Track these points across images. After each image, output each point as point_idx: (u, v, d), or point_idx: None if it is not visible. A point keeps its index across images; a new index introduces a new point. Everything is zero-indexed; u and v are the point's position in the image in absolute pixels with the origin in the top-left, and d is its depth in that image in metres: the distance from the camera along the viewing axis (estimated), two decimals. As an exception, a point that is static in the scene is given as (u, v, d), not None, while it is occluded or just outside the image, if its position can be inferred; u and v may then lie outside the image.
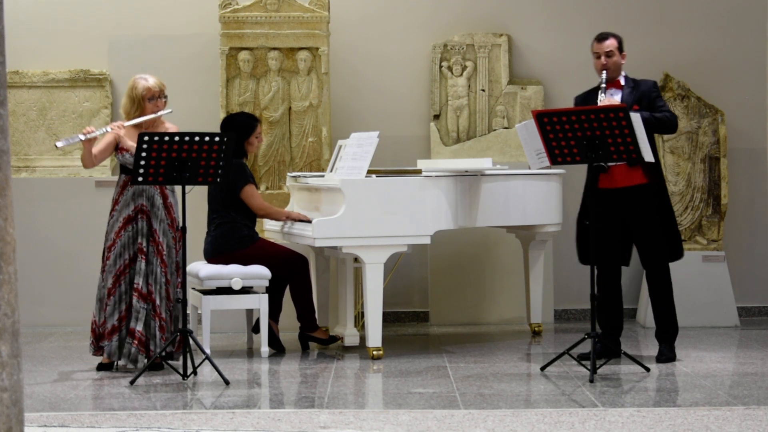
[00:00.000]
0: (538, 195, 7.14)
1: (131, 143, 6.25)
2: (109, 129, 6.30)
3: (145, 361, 6.18)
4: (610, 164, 6.30)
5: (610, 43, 6.43)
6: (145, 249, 6.25)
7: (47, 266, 8.07)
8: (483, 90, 8.19)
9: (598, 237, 6.17)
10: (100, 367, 6.34)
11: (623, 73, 6.51)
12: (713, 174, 8.15)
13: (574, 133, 5.95)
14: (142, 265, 6.24)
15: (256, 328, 7.01)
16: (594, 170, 6.26)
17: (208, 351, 6.32)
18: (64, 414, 5.10)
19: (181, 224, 6.02)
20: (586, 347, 6.16)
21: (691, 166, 8.13)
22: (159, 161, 5.83)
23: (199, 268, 6.80)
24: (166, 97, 6.42)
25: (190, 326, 6.38)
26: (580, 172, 6.92)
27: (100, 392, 5.75)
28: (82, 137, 6.21)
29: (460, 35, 8.21)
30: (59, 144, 6.26)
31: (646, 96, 6.38)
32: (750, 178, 8.34)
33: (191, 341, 5.98)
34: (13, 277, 2.97)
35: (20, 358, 2.98)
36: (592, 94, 6.47)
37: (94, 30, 8.19)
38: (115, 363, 6.35)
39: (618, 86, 6.47)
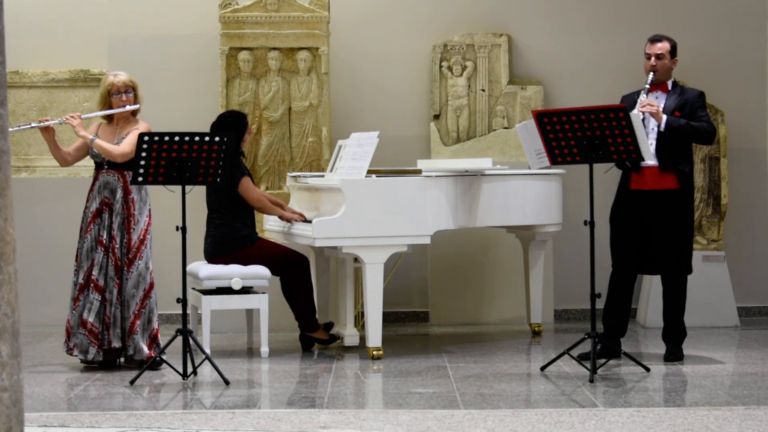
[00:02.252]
0: (538, 195, 7.14)
1: (83, 132, 6.34)
2: (64, 120, 6.39)
3: (96, 352, 6.26)
4: (643, 164, 6.31)
5: (662, 46, 6.40)
6: (105, 241, 6.29)
7: (47, 266, 8.07)
8: (483, 90, 8.19)
9: (620, 239, 6.29)
10: (103, 365, 6.35)
11: (672, 79, 6.48)
12: (713, 174, 8.15)
13: (574, 133, 5.95)
14: (99, 257, 6.29)
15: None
16: (626, 171, 6.29)
17: (208, 351, 6.32)
18: (64, 414, 5.10)
19: (180, 224, 6.01)
20: (587, 347, 6.16)
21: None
22: (159, 161, 5.84)
23: (199, 268, 6.80)
24: (134, 92, 6.43)
25: (190, 326, 6.38)
26: (580, 172, 6.92)
27: (100, 392, 5.75)
28: (35, 124, 6.36)
29: (460, 35, 8.21)
30: (10, 129, 6.33)
31: (689, 104, 6.36)
32: (750, 178, 8.34)
33: (191, 341, 5.98)
34: (13, 277, 2.97)
35: (20, 358, 2.98)
36: (637, 94, 6.44)
37: (94, 30, 8.19)
38: (118, 360, 6.37)
39: (665, 90, 6.45)
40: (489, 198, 6.89)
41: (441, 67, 8.19)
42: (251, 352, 6.96)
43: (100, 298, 6.28)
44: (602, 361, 6.17)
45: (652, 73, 6.38)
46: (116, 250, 6.28)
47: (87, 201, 6.43)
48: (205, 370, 6.16)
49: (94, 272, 6.28)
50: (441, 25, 8.27)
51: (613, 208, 6.56)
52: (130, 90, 6.42)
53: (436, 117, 8.20)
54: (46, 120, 6.38)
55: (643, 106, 6.25)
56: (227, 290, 6.74)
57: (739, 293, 8.14)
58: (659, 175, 6.36)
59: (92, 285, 6.27)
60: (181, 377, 5.95)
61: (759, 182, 8.35)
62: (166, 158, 5.84)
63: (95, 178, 6.42)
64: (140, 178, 5.88)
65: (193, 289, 6.90)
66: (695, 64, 8.25)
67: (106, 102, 6.45)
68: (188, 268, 6.65)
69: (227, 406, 5.30)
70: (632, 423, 4.82)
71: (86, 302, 6.28)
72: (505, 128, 8.17)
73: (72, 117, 6.38)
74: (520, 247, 7.79)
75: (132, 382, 5.88)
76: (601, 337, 6.25)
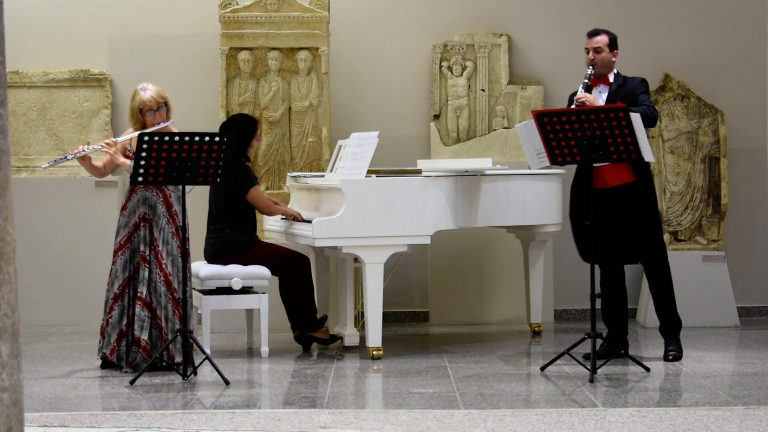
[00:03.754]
0: (538, 195, 7.14)
1: (123, 159, 6.27)
2: (99, 147, 6.30)
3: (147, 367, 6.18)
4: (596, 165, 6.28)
5: (600, 39, 6.45)
6: (147, 257, 6.23)
7: (47, 266, 8.06)
8: (483, 90, 8.19)
9: (598, 238, 6.20)
10: (104, 364, 6.33)
11: (615, 71, 6.51)
12: (713, 174, 8.15)
13: (574, 133, 5.95)
14: (144, 273, 6.22)
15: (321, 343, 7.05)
16: (583, 170, 6.28)
17: (208, 351, 6.32)
18: (64, 414, 5.10)
19: (180, 224, 6.00)
20: (587, 347, 6.16)
21: (691, 166, 8.13)
22: (159, 161, 5.83)
23: (199, 268, 6.80)
24: (166, 106, 6.36)
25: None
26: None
27: (100, 392, 5.75)
28: (71, 156, 6.25)
29: (460, 35, 8.21)
30: (44, 165, 6.31)
31: (631, 92, 6.38)
32: (750, 178, 8.34)
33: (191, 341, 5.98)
34: (13, 277, 2.97)
35: (20, 358, 2.98)
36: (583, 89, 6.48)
37: (94, 30, 8.19)
38: (123, 366, 6.35)
39: (607, 83, 6.49)
40: (489, 198, 6.89)
41: (441, 67, 8.19)
42: (251, 352, 6.96)
43: (150, 315, 6.20)
44: (602, 361, 6.17)
45: (590, 68, 6.40)
46: (164, 266, 6.22)
47: (123, 210, 6.33)
48: (205, 370, 6.16)
49: (141, 288, 6.19)
50: (441, 25, 8.27)
51: (572, 205, 6.55)
52: (162, 106, 6.33)
53: (436, 117, 8.20)
54: (83, 150, 6.23)
55: (578, 100, 6.26)
56: (227, 290, 6.74)
57: (739, 293, 8.14)
58: (615, 170, 6.37)
59: (140, 302, 6.18)
60: (181, 377, 5.95)
61: (759, 182, 8.36)
62: (166, 158, 5.83)
63: (132, 192, 6.32)
64: (140, 179, 5.87)
65: (194, 289, 6.89)
66: (695, 64, 8.25)
67: (138, 119, 6.33)
68: (188, 268, 6.65)
69: (227, 406, 5.30)
70: (632, 423, 4.82)
71: (135, 320, 6.20)
72: (505, 128, 8.17)
73: (107, 144, 6.27)
74: (520, 247, 7.79)
75: (132, 382, 5.88)
76: (605, 338, 6.27)
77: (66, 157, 6.28)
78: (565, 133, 5.96)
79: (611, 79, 6.49)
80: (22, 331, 3.14)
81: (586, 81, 6.37)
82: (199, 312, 6.82)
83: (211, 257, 6.86)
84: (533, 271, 7.63)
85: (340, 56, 8.18)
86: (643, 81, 6.49)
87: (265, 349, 6.73)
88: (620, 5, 8.32)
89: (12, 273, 2.96)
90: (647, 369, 6.09)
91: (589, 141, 5.93)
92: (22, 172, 8.08)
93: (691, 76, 8.21)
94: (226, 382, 5.84)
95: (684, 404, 5.28)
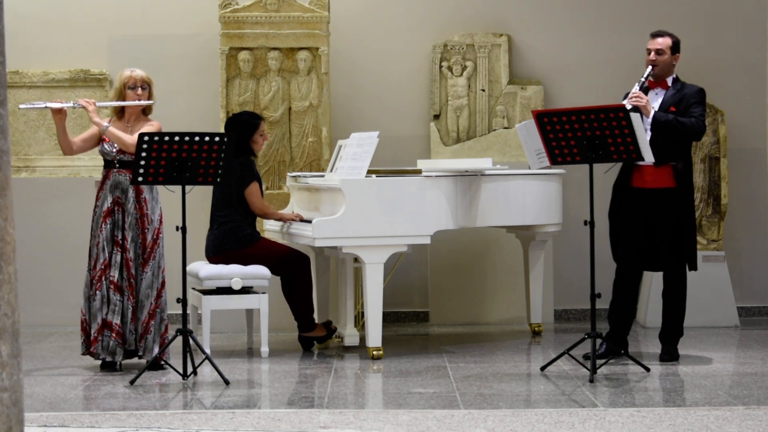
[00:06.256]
0: (538, 195, 7.14)
1: (97, 119, 6.32)
2: (79, 104, 6.35)
3: (122, 353, 6.22)
4: (640, 163, 6.26)
5: (663, 42, 6.40)
6: (119, 241, 6.27)
7: (47, 266, 8.07)
8: (483, 90, 8.19)
9: (624, 237, 6.22)
10: (104, 366, 6.34)
11: (674, 75, 6.47)
12: (713, 174, 8.15)
13: (574, 133, 5.95)
14: (117, 257, 6.26)
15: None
16: (627, 167, 6.26)
17: (208, 351, 6.32)
18: (64, 414, 5.10)
19: (180, 224, 6.00)
20: (587, 347, 6.16)
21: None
22: (159, 161, 5.83)
23: (199, 268, 6.80)
24: (149, 89, 6.40)
25: (190, 326, 6.38)
26: (580, 172, 6.91)
27: (100, 392, 5.75)
28: (50, 104, 6.31)
29: (460, 35, 8.21)
30: (22, 106, 6.38)
31: (686, 100, 6.35)
32: (750, 178, 8.34)
33: (191, 341, 5.98)
34: (13, 277, 2.97)
35: (20, 358, 2.97)
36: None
37: (94, 30, 8.19)
38: (119, 363, 6.35)
39: (665, 86, 6.44)
40: (489, 198, 6.89)
41: (441, 67, 8.19)
42: (251, 352, 6.96)
43: (121, 299, 6.24)
44: (602, 361, 6.17)
45: (650, 68, 6.37)
46: (129, 251, 6.27)
47: (97, 200, 6.38)
48: (205, 370, 6.16)
49: (113, 273, 6.23)
50: (441, 25, 8.27)
51: (612, 203, 6.53)
52: (146, 86, 6.39)
53: (436, 117, 8.20)
54: (60, 102, 6.34)
55: (632, 99, 6.25)
56: (227, 290, 6.74)
57: (739, 293, 8.14)
58: (656, 173, 6.35)
59: (113, 286, 6.22)
60: (181, 377, 5.95)
61: (759, 182, 8.36)
62: (166, 158, 5.84)
63: (105, 177, 6.37)
64: (140, 178, 5.88)
65: (193, 289, 6.90)
66: (695, 65, 8.24)
67: (122, 96, 6.39)
68: (188, 268, 6.64)
69: (227, 406, 5.30)
70: (632, 423, 4.82)
71: (109, 304, 6.23)
72: (505, 128, 8.17)
73: (87, 102, 6.36)
74: (520, 247, 7.79)
75: (132, 382, 5.88)
76: (604, 337, 6.26)
77: (45, 104, 6.35)
78: (565, 133, 5.96)
79: (669, 83, 6.44)
80: (22, 331, 3.14)
81: (643, 80, 6.32)
82: (199, 312, 6.82)
83: (213, 253, 6.86)
84: (533, 271, 7.63)
85: (340, 56, 8.18)
86: (700, 91, 6.42)
87: (265, 349, 6.73)
88: (620, 5, 8.31)
89: (12, 273, 2.96)
90: (647, 369, 6.09)
91: (589, 141, 5.93)
92: (22, 172, 8.08)
93: (691, 76, 8.20)
94: (226, 382, 5.84)
95: (684, 404, 5.28)
